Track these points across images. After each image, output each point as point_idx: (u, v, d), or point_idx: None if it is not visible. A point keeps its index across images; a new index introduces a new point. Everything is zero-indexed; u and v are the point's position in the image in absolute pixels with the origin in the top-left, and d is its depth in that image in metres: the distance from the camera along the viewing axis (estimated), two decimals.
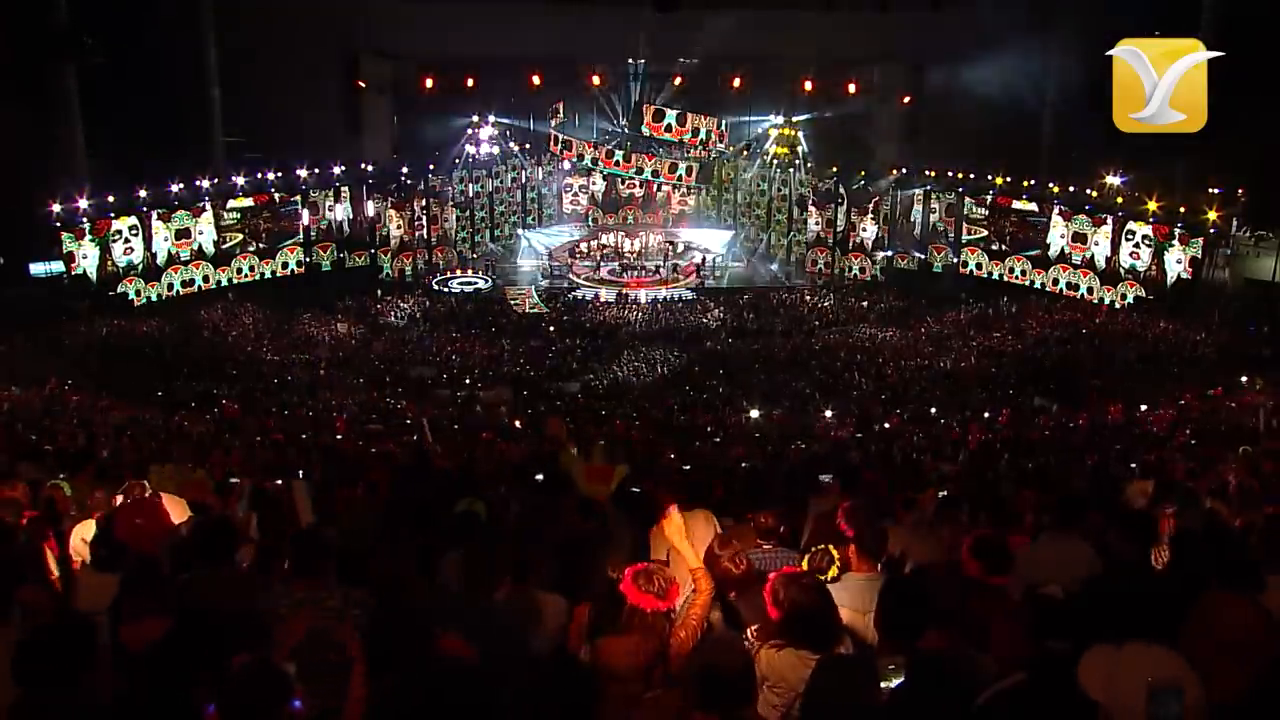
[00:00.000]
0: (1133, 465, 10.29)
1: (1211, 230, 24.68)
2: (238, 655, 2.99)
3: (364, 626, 3.62)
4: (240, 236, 27.55)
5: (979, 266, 29.57)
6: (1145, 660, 2.78)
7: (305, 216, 28.44)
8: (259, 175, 27.59)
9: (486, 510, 5.82)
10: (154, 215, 25.60)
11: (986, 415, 17.21)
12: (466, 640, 3.42)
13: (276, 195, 27.92)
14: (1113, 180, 26.65)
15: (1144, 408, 16.49)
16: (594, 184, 33.95)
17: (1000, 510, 6.29)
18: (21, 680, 2.80)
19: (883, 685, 3.26)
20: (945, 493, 6.23)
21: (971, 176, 29.22)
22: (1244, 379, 17.18)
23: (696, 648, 3.58)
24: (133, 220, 25.16)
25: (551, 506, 6.47)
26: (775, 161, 32.41)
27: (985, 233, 29.19)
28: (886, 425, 17.42)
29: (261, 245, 27.92)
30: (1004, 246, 29.01)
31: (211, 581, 4.07)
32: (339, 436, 14.83)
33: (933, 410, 18.24)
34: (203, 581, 4.05)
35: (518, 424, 17.54)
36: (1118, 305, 26.51)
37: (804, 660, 3.53)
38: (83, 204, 24.05)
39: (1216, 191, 24.38)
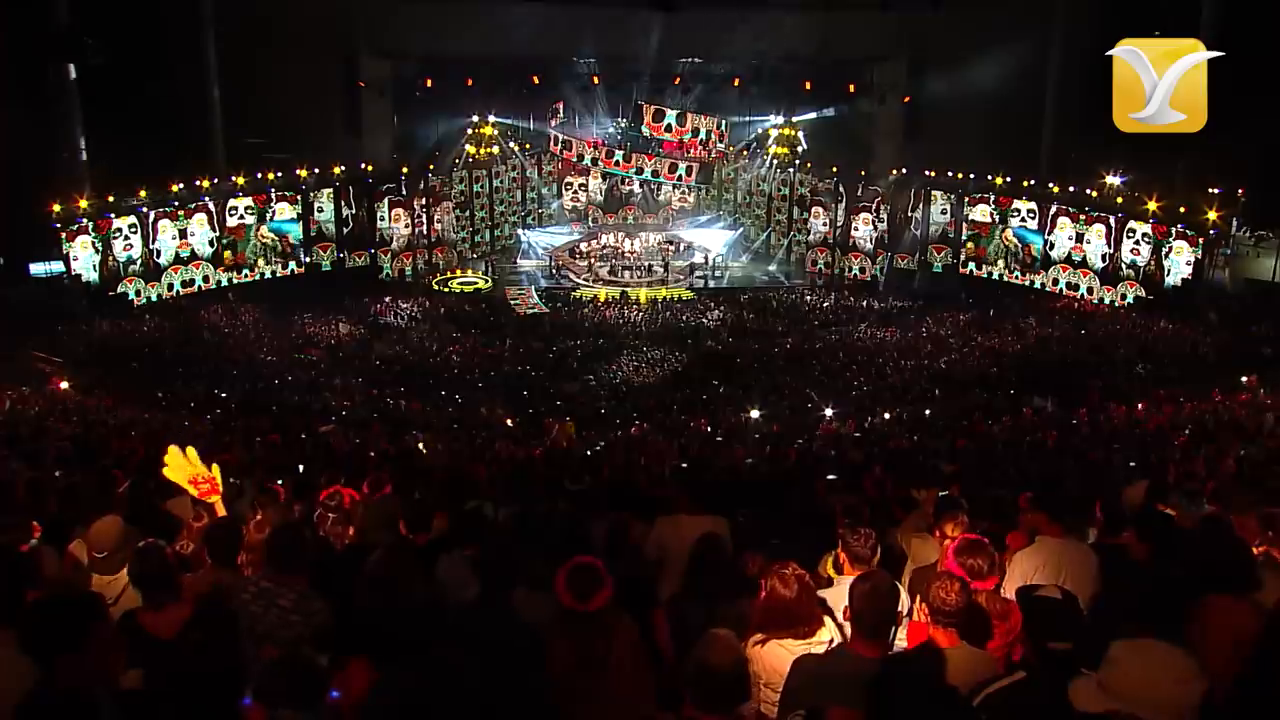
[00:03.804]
0: (1132, 464, 10.30)
1: (1211, 230, 24.69)
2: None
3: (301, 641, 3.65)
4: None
5: (979, 266, 29.63)
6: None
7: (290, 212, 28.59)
8: (259, 175, 27.63)
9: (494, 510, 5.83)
10: (154, 214, 25.64)
11: (986, 416, 17.19)
12: (481, 641, 3.41)
13: (274, 194, 27.98)
14: (1113, 180, 26.67)
15: (1142, 407, 16.49)
16: (593, 184, 33.95)
17: (999, 510, 6.28)
18: (31, 644, 2.80)
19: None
20: (945, 493, 6.23)
21: (971, 177, 29.24)
22: (1244, 379, 17.18)
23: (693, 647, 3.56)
24: (132, 219, 25.21)
25: (548, 507, 6.50)
26: (775, 161, 32.43)
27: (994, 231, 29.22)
28: (886, 416, 17.45)
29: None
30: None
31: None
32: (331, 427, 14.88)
33: (927, 411, 18.22)
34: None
35: (510, 423, 17.58)
36: (1118, 305, 26.53)
37: (789, 650, 3.53)
38: (83, 204, 24.08)
39: (1216, 191, 24.38)
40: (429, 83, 30.80)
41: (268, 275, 28.21)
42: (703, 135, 32.19)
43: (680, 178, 32.79)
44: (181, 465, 5.00)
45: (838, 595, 4.13)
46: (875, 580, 3.42)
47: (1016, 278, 28.82)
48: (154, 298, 25.80)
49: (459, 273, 31.16)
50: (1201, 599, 2.89)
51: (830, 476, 9.01)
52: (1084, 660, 3.06)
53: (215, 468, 5.15)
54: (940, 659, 3.33)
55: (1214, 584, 2.99)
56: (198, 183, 26.47)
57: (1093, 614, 3.92)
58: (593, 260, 31.51)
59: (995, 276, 29.29)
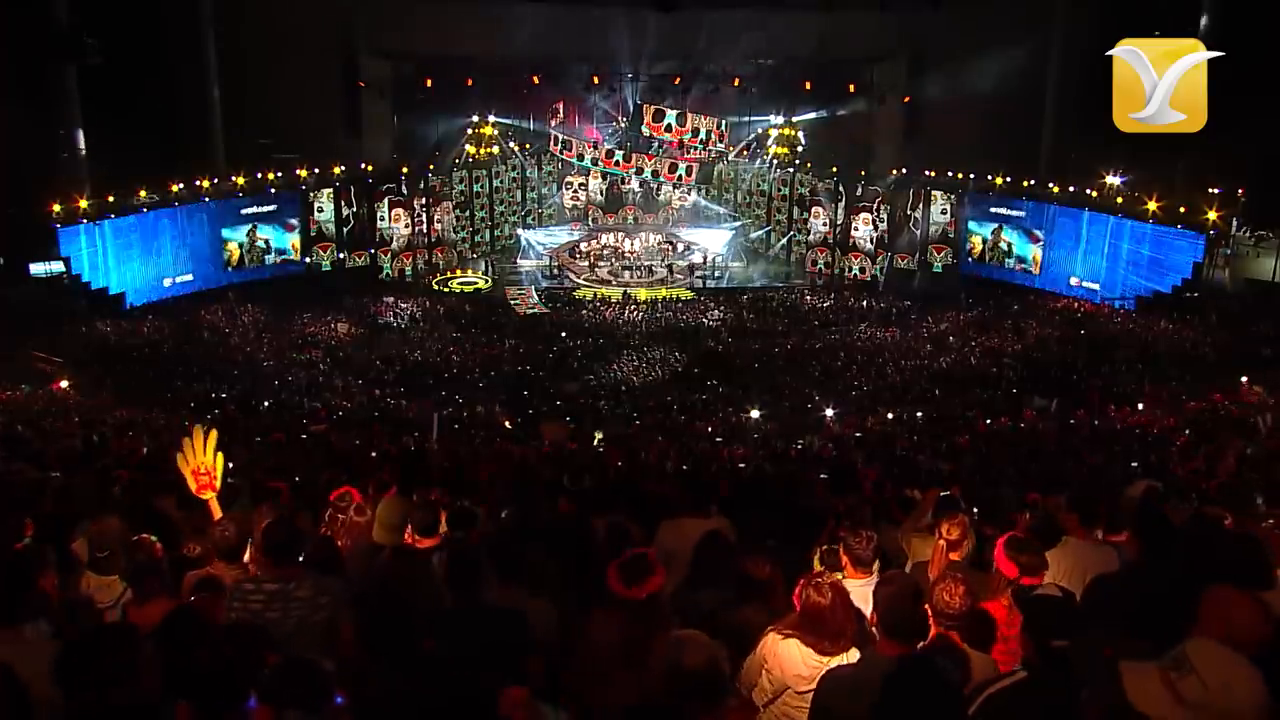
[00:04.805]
0: (1134, 465, 10.30)
1: (1212, 230, 24.70)
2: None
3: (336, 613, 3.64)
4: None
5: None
6: None
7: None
8: (259, 175, 27.65)
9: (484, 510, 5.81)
10: (154, 214, 25.68)
11: (986, 416, 17.19)
12: (452, 640, 3.41)
13: (274, 193, 27.99)
14: (1113, 180, 26.67)
15: (1141, 406, 16.50)
16: (593, 183, 33.95)
17: (997, 510, 6.29)
18: (64, 685, 2.69)
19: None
20: (946, 493, 6.23)
21: (971, 177, 29.24)
22: (1244, 379, 17.17)
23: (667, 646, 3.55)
24: (132, 219, 25.22)
25: (547, 508, 6.49)
26: (775, 161, 32.43)
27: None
28: (888, 417, 17.45)
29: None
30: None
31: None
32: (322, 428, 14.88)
33: (921, 413, 18.21)
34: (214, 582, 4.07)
35: (507, 424, 17.57)
36: (1118, 305, 26.53)
37: (805, 657, 3.53)
38: (83, 204, 24.09)
39: (1216, 191, 24.38)
40: (429, 83, 30.81)
41: (267, 275, 28.23)
42: (703, 135, 32.19)
43: (680, 178, 32.80)
44: (193, 451, 5.02)
45: None
46: (899, 583, 3.44)
47: (1017, 278, 28.84)
48: (154, 297, 25.81)
49: (459, 273, 31.16)
50: (1206, 596, 2.88)
51: (822, 475, 9.02)
52: (1082, 658, 3.06)
53: (220, 459, 5.16)
54: (956, 654, 3.34)
55: (1214, 577, 2.98)
56: (198, 183, 26.49)
57: (1091, 610, 3.92)
58: (593, 260, 31.50)
59: (995, 277, 29.30)
